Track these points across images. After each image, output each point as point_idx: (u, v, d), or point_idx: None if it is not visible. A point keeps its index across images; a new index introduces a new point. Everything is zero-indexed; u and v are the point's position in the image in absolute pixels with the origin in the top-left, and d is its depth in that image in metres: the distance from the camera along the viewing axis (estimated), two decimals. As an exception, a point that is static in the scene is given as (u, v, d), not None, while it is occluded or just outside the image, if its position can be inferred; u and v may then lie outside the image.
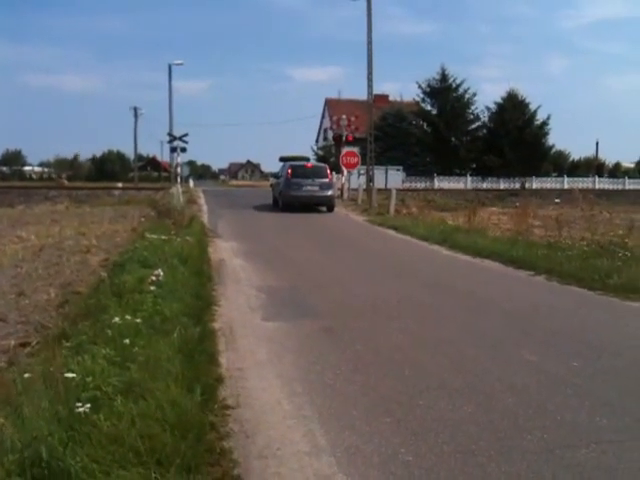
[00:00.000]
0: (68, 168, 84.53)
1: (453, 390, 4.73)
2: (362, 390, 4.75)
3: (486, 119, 52.77)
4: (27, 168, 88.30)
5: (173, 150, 29.50)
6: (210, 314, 6.98)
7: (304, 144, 65.74)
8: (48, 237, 14.89)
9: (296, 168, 23.82)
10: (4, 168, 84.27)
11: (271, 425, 4.07)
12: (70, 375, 3.98)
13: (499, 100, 52.16)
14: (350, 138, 34.53)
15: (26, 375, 4.23)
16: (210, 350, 5.49)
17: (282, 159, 27.76)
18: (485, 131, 52.71)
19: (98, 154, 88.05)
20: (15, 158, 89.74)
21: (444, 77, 52.01)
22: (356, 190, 30.04)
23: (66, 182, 55.95)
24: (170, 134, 30.27)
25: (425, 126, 52.09)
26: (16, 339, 6.14)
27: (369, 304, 7.82)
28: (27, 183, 56.93)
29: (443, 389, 4.75)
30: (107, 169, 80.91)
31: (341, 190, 31.07)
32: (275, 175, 27.85)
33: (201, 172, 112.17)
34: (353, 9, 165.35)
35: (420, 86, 52.19)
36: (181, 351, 5.06)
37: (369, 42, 30.46)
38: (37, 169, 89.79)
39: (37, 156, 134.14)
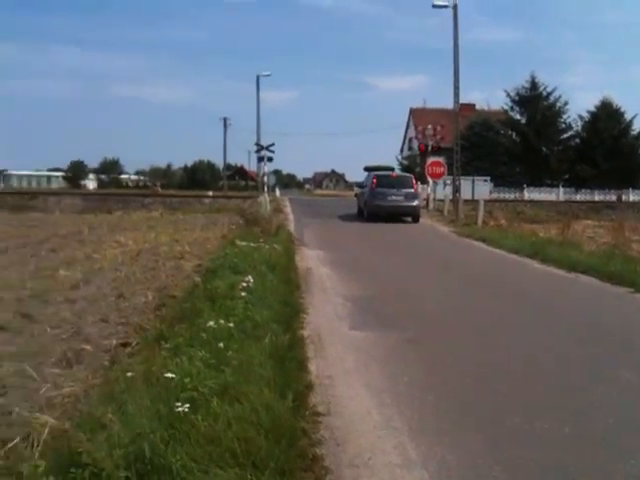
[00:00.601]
0: (162, 176, 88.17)
1: (549, 411, 4.57)
2: (453, 404, 4.67)
3: (579, 128, 50.89)
4: (124, 176, 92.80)
5: (260, 159, 30.18)
6: (299, 321, 7.08)
7: (388, 154, 65.89)
8: (145, 243, 15.57)
9: (381, 178, 23.80)
10: (103, 176, 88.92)
11: (361, 434, 4.08)
12: (170, 375, 4.15)
13: (591, 108, 50.27)
14: (436, 148, 34.15)
15: (129, 374, 4.45)
16: (300, 357, 5.56)
17: (367, 169, 27.87)
18: (578, 140, 50.80)
19: (190, 163, 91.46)
20: (113, 167, 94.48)
21: (534, 85, 50.65)
22: (442, 201, 29.65)
23: (160, 190, 58.40)
24: (258, 144, 31.05)
25: (514, 135, 50.83)
26: (117, 339, 6.46)
27: (456, 318, 7.70)
28: (124, 190, 59.84)
29: (540, 409, 4.60)
30: (198, 178, 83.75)
31: (427, 200, 30.75)
32: (360, 185, 27.97)
33: (286, 181, 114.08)
34: (438, 17, 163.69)
35: (508, 94, 51.08)
36: (272, 357, 5.16)
37: (455, 50, 30.04)
38: (133, 177, 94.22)
39: (133, 165, 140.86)
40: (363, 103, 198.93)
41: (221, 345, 5.09)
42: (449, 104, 32.24)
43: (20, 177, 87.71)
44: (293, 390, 4.46)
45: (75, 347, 6.12)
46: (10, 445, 3.90)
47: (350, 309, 8.10)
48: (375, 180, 23.27)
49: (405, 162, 54.65)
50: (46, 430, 3.95)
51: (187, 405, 3.65)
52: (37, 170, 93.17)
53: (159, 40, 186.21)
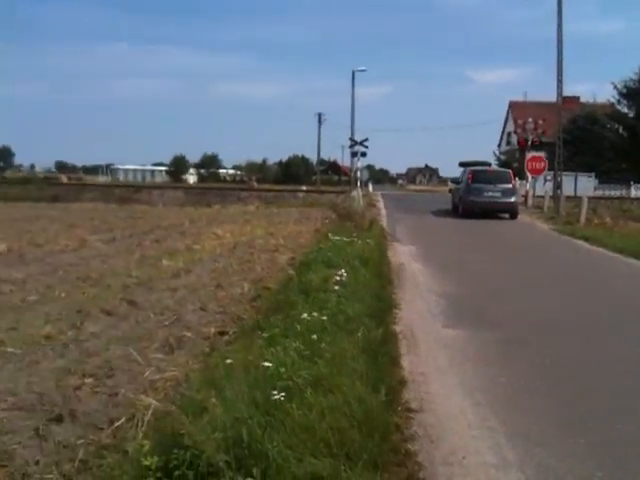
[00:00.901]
0: (257, 171, 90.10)
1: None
2: (552, 408, 4.52)
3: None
4: (222, 171, 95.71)
5: (354, 155, 30.19)
6: (391, 317, 7.06)
7: (485, 149, 64.45)
8: (241, 235, 16.01)
9: (477, 173, 23.23)
10: (202, 171, 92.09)
11: (455, 433, 4.02)
12: (266, 364, 4.26)
13: None
14: (536, 142, 32.92)
15: (227, 361, 4.60)
16: (392, 352, 5.55)
17: (462, 164, 27.23)
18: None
19: (284, 158, 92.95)
20: (212, 161, 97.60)
21: (644, 77, 47.64)
22: (542, 197, 28.55)
23: (255, 184, 59.79)
24: (351, 139, 31.12)
25: (620, 129, 48.11)
26: (215, 327, 6.69)
27: (552, 318, 7.41)
28: (222, 185, 61.68)
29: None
30: (292, 172, 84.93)
31: (525, 197, 29.72)
32: (454, 180, 27.39)
33: (379, 176, 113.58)
34: (542, 7, 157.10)
35: (616, 87, 48.32)
36: (365, 351, 5.17)
37: (559, 41, 28.73)
38: (230, 172, 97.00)
39: (231, 160, 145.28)
40: (459, 97, 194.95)
41: (314, 337, 5.16)
42: (551, 97, 30.97)
43: (126, 171, 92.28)
44: (386, 385, 4.46)
45: (176, 333, 6.39)
46: (117, 424, 4.13)
47: (443, 306, 7.98)
48: (471, 175, 22.73)
49: (503, 157, 53.08)
50: (150, 412, 4.15)
51: (282, 394, 3.73)
52: (142, 164, 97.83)
53: (258, 39, 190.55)
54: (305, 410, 3.66)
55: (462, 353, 5.93)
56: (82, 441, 3.92)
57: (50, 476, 3.49)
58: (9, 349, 5.71)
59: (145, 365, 5.41)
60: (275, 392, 3.75)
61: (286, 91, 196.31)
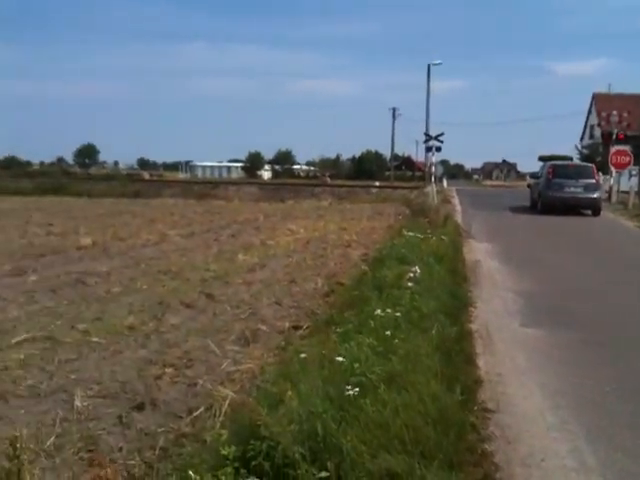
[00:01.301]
0: (331, 167, 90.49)
1: None
2: (637, 413, 4.32)
3: None
4: (296, 167, 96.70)
5: (428, 150, 29.71)
6: (467, 314, 6.94)
7: (565, 143, 62.38)
8: (314, 231, 16.12)
9: (558, 167, 22.44)
10: (277, 167, 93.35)
11: (533, 434, 3.92)
12: (340, 359, 4.28)
13: None
14: (621, 136, 31.48)
15: (302, 355, 4.66)
16: (468, 351, 5.46)
17: (541, 158, 26.51)
18: None
19: (357, 154, 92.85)
20: (286, 157, 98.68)
21: None
22: (626, 193, 27.28)
23: (329, 180, 60.03)
24: (426, 134, 30.61)
25: None
26: (290, 322, 6.78)
27: (637, 320, 7.08)
28: (296, 180, 62.30)
29: None
30: (365, 168, 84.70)
31: (609, 192, 28.49)
32: (533, 175, 26.57)
33: (454, 172, 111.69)
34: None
35: None
36: (439, 349, 5.11)
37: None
38: (304, 167, 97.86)
39: (305, 156, 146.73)
40: (539, 90, 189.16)
41: (388, 333, 5.14)
42: (637, 89, 29.53)
43: (204, 168, 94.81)
44: (461, 384, 4.39)
45: (252, 327, 6.51)
46: (195, 414, 4.26)
47: (521, 305, 7.78)
48: (551, 170, 21.98)
49: (585, 151, 51.00)
50: (227, 402, 4.26)
51: (356, 389, 3.74)
52: (219, 161, 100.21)
53: (333, 35, 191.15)
54: (379, 406, 3.65)
55: (540, 353, 5.77)
56: (162, 429, 4.07)
57: (133, 462, 3.63)
58: (94, 339, 5.98)
59: (222, 357, 5.55)
60: (349, 387, 3.76)
61: (360, 86, 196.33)
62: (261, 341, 6.08)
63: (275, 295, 8.19)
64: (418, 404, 3.77)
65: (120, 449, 3.82)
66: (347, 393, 3.71)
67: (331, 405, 3.59)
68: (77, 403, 4.41)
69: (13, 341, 5.82)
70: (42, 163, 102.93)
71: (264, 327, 6.55)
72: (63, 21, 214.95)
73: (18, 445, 2.80)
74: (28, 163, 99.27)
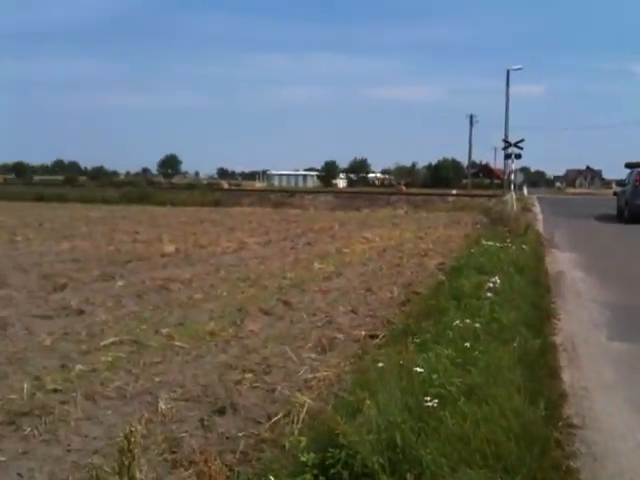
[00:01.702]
0: (406, 175, 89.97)
1: None
2: None
3: None
4: (371, 175, 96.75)
5: (507, 157, 29.06)
6: (550, 327, 6.72)
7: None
8: (390, 239, 16.06)
9: (646, 175, 21.43)
10: (352, 175, 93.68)
11: (622, 453, 3.75)
12: (418, 370, 4.24)
13: None
14: None
15: (379, 364, 4.64)
16: (551, 364, 5.28)
17: (628, 165, 25.22)
18: None
19: (433, 162, 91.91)
20: (361, 166, 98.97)
21: None
22: None
23: (404, 188, 59.68)
24: (505, 140, 29.96)
25: None
26: (365, 330, 6.76)
27: None
28: (371, 189, 62.31)
29: None
30: (442, 176, 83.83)
31: None
32: (620, 183, 25.45)
33: (535, 179, 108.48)
34: None
35: None
36: (521, 361, 4.97)
37: None
38: (379, 176, 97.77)
39: (380, 164, 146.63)
40: (625, 93, 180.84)
41: (467, 345, 5.04)
42: None
43: (280, 176, 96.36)
44: (545, 398, 4.25)
45: (328, 335, 6.54)
46: (274, 420, 4.32)
47: (608, 317, 7.46)
48: (639, 177, 21.01)
49: (677, 157, 48.39)
50: (304, 409, 4.29)
51: (435, 401, 3.69)
52: (295, 170, 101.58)
53: (408, 42, 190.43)
54: (459, 419, 3.59)
55: (629, 368, 5.51)
56: (242, 433, 4.14)
57: (214, 466, 3.72)
58: (177, 343, 6.17)
59: (299, 364, 5.60)
60: (428, 399, 3.71)
61: (436, 92, 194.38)
62: (337, 349, 6.10)
63: (351, 303, 8.20)
64: (500, 418, 3.68)
65: (202, 452, 3.92)
66: (426, 404, 3.67)
67: (410, 416, 3.56)
68: (161, 405, 4.56)
69: (102, 344, 6.08)
70: (128, 173, 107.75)
71: (340, 335, 6.57)
72: (147, 34, 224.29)
73: (132, 439, 2.92)
74: (115, 173, 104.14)
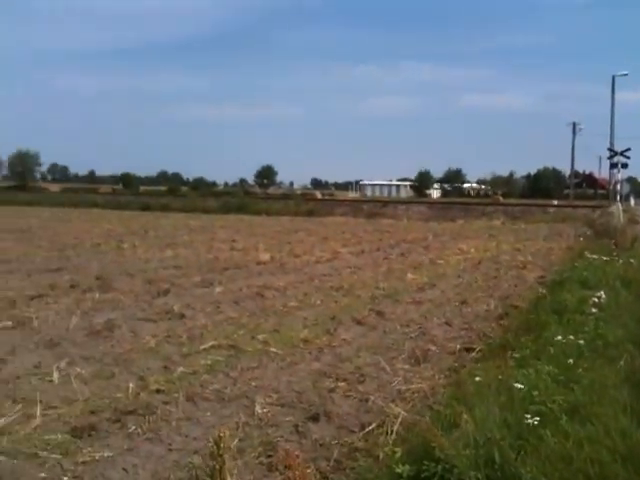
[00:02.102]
0: (503, 185, 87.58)
1: None
2: None
3: None
4: (466, 185, 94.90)
5: (613, 166, 27.79)
6: (661, 345, 6.31)
7: None
8: (486, 251, 15.67)
9: None
10: (446, 185, 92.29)
11: None
12: (518, 386, 4.11)
13: None
14: None
15: (476, 379, 4.54)
16: (662, 385, 4.96)
17: None
18: None
19: (533, 171, 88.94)
20: (456, 176, 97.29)
21: None
22: None
23: (501, 199, 57.99)
24: (611, 149, 28.61)
25: None
26: (461, 343, 6.64)
27: None
28: (465, 199, 61.08)
29: None
30: (541, 186, 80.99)
31: None
32: None
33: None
34: None
35: None
36: (628, 380, 4.71)
37: None
38: (474, 186, 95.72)
39: (475, 174, 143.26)
40: None
41: (570, 362, 4.85)
42: None
43: (373, 187, 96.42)
44: (655, 420, 4.00)
45: (422, 346, 6.47)
46: (367, 429, 4.31)
47: None
48: None
49: None
50: (399, 420, 4.26)
51: (536, 418, 3.57)
52: (388, 180, 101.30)
53: (505, 48, 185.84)
54: (561, 438, 3.45)
55: None
56: (336, 441, 4.17)
57: (308, 471, 3.76)
58: (272, 349, 6.30)
59: (393, 375, 5.57)
60: (528, 416, 3.59)
61: (535, 100, 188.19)
62: (431, 361, 6.02)
63: (445, 315, 8.08)
64: (605, 438, 3.50)
65: (297, 456, 3.97)
66: (526, 422, 3.55)
67: (509, 432, 3.46)
68: (257, 409, 4.67)
69: (201, 347, 6.31)
70: (226, 184, 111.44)
71: (434, 347, 6.48)
72: (246, 49, 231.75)
73: (222, 445, 3.02)
74: (214, 184, 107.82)
